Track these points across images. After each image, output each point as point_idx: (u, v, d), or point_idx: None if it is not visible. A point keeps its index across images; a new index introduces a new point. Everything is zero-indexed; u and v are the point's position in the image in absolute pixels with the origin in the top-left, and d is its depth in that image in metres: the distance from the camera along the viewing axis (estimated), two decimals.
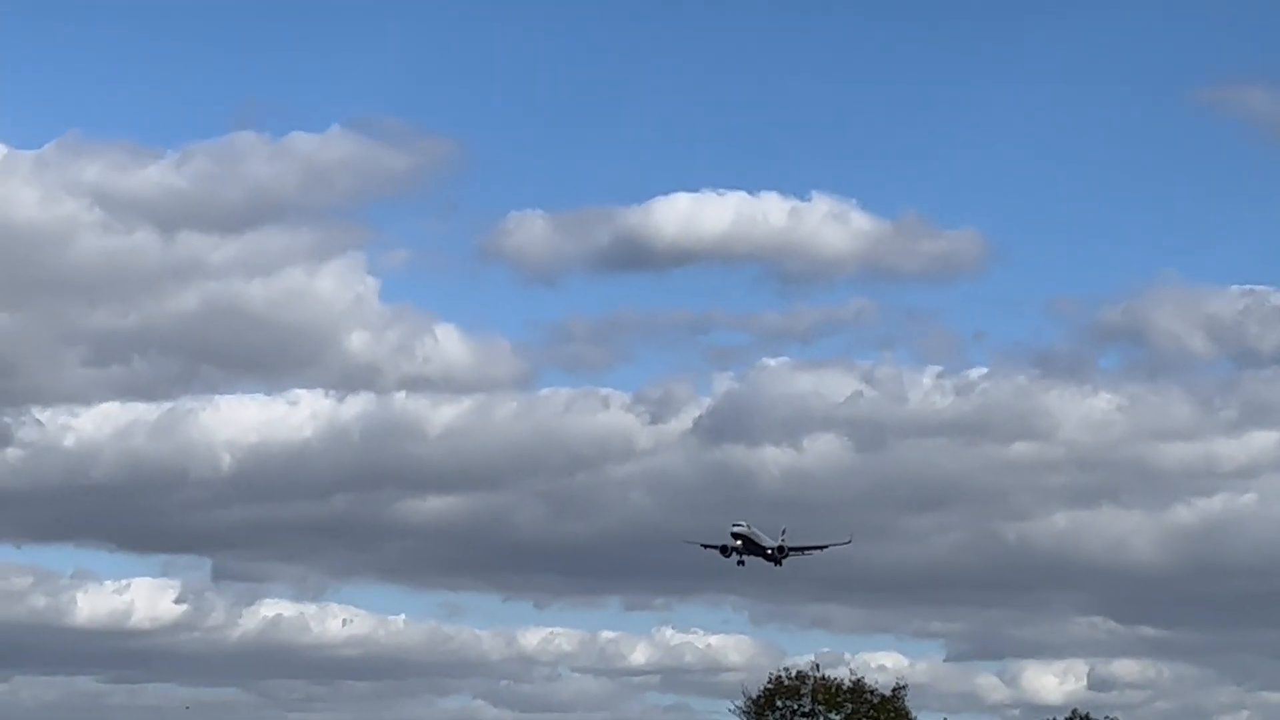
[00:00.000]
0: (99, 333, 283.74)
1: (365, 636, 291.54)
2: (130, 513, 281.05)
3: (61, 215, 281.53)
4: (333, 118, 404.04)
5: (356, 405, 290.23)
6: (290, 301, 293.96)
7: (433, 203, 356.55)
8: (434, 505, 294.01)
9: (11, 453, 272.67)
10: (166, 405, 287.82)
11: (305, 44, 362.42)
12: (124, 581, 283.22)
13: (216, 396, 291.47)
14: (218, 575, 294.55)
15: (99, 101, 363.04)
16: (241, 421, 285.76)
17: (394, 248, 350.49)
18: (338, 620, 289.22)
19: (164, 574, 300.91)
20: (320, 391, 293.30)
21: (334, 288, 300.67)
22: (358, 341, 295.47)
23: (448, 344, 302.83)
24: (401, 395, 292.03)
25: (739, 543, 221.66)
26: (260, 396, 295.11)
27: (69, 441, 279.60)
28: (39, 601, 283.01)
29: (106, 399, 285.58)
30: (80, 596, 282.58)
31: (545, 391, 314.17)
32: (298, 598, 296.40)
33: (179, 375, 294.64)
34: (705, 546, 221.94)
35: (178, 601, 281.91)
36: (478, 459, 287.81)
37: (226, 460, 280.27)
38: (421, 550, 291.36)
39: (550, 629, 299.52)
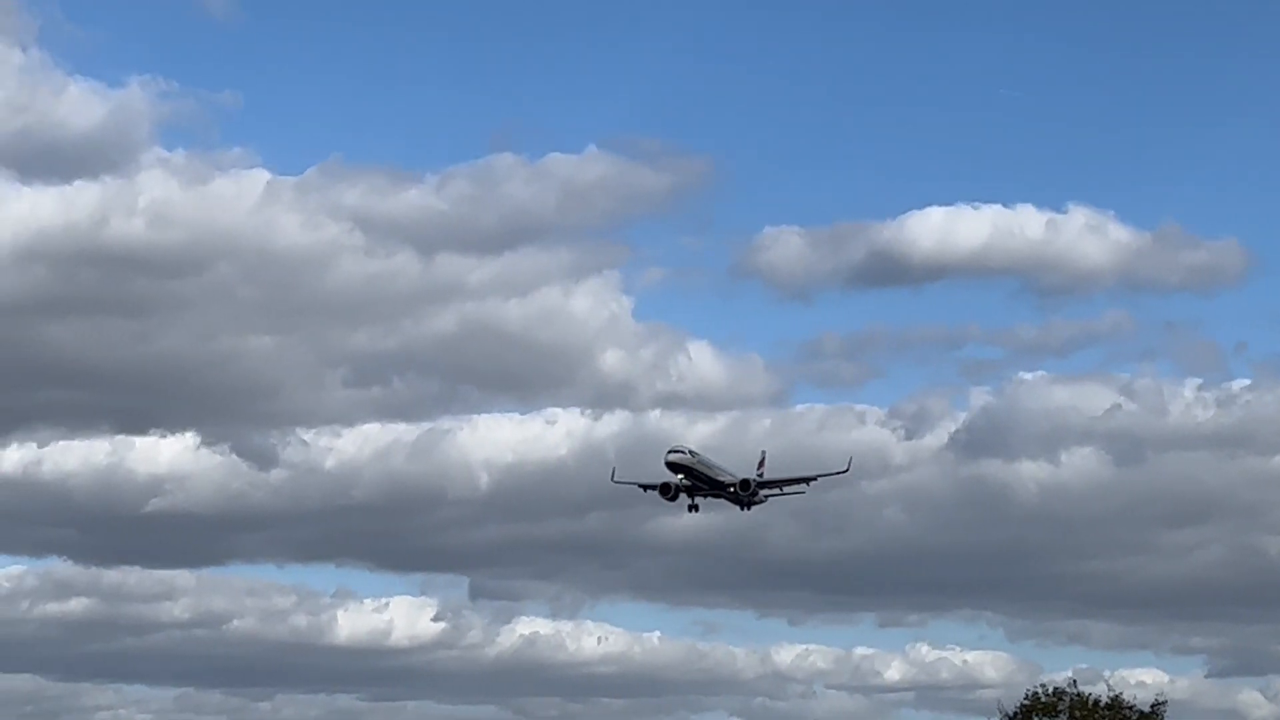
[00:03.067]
0: (359, 354, 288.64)
1: (620, 654, 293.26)
2: (389, 532, 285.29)
3: (323, 240, 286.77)
4: (589, 138, 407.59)
5: (611, 423, 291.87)
6: (546, 321, 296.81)
7: (687, 221, 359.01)
8: (688, 523, 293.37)
9: (276, 474, 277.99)
10: (425, 425, 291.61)
11: (561, 66, 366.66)
12: (383, 600, 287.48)
13: (474, 416, 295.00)
14: (475, 593, 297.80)
15: (359, 127, 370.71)
16: (498, 440, 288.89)
17: (648, 266, 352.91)
18: (593, 638, 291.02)
19: (422, 592, 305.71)
20: (575, 410, 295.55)
21: (589, 307, 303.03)
22: (612, 360, 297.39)
23: (701, 361, 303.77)
24: (656, 413, 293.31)
25: (680, 476, 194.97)
26: (516, 416, 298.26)
27: (330, 462, 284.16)
28: (301, 620, 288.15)
29: (367, 420, 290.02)
30: (341, 615, 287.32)
31: (799, 408, 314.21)
32: (553, 615, 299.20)
33: (438, 396, 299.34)
34: (644, 488, 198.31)
35: (436, 620, 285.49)
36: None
37: (484, 479, 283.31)
38: (676, 567, 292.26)
39: (805, 646, 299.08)
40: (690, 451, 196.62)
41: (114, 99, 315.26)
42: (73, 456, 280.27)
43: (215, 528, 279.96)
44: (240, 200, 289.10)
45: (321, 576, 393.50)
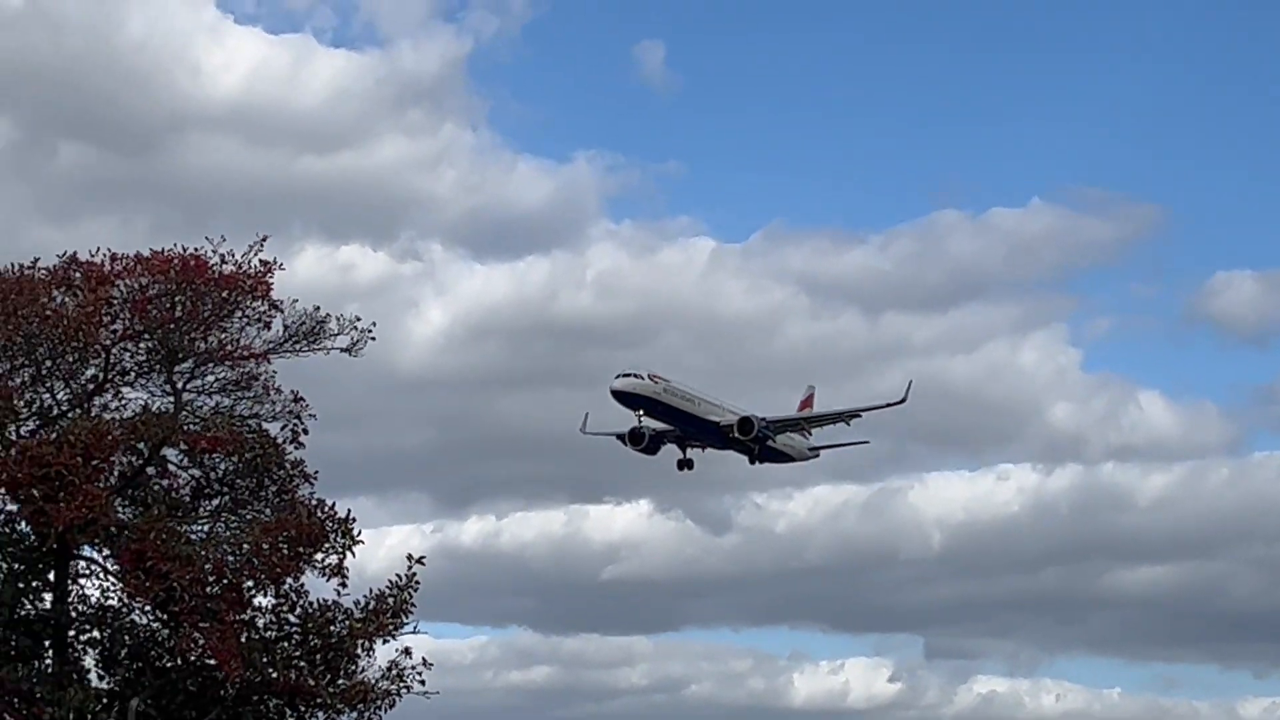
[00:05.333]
0: None
1: (1080, 711, 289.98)
2: (843, 593, 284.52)
3: (769, 304, 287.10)
4: (1032, 191, 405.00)
5: (1063, 477, 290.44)
6: (994, 376, 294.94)
7: (1135, 270, 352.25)
8: (1145, 575, 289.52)
9: (729, 538, 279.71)
10: (876, 485, 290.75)
11: (1000, 120, 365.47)
12: (838, 661, 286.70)
13: (924, 474, 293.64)
14: (930, 653, 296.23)
15: (802, 191, 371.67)
16: (949, 498, 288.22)
17: (1096, 317, 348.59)
18: (1051, 695, 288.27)
19: (877, 653, 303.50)
20: (1026, 465, 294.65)
21: (1037, 360, 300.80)
22: (1062, 413, 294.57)
23: (1152, 411, 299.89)
24: (1109, 466, 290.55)
25: (640, 413, 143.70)
26: (966, 473, 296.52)
27: (782, 525, 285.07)
28: (758, 683, 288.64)
29: (817, 482, 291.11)
30: (797, 677, 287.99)
31: (1258, 455, 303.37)
32: (1010, 673, 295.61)
33: (888, 455, 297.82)
34: (620, 439, 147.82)
35: (892, 680, 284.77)
36: (1189, 527, 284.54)
37: (936, 537, 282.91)
38: (1134, 621, 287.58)
39: (1272, 699, 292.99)
40: (650, 376, 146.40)
41: (561, 175, 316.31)
42: (530, 527, 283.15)
43: (670, 593, 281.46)
44: (687, 268, 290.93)
45: (776, 639, 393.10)
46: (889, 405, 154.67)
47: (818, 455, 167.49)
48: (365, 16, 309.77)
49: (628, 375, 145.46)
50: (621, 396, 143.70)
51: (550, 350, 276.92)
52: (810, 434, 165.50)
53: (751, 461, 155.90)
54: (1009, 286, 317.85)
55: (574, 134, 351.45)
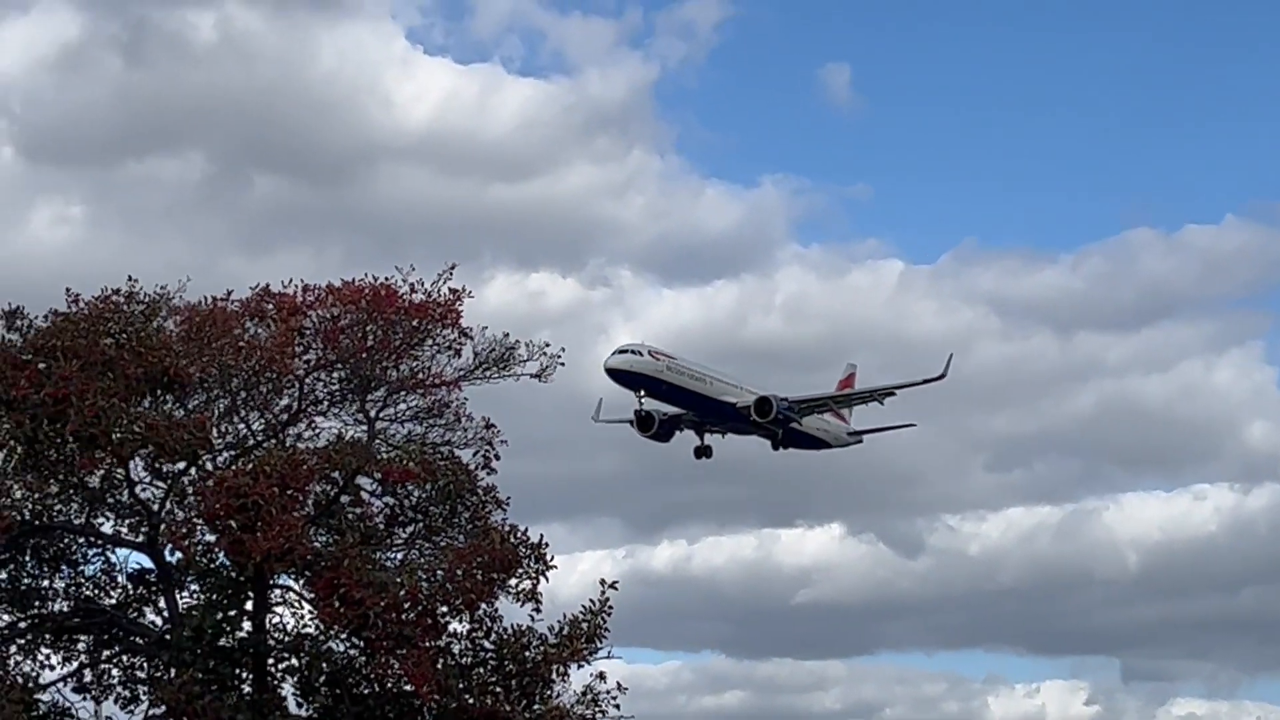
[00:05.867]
0: (1000, 438, 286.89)
1: None
2: (1038, 615, 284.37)
3: (959, 325, 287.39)
4: (1226, 207, 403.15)
5: (1261, 497, 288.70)
6: (1188, 396, 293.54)
7: None
8: None
9: (923, 561, 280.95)
10: (1069, 507, 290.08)
11: (1194, 134, 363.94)
12: (1034, 685, 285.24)
13: (1119, 495, 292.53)
14: (1127, 675, 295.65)
15: (991, 211, 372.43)
16: (1144, 519, 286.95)
17: None
18: (1252, 717, 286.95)
19: (1073, 675, 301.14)
20: (1223, 485, 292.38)
21: (1231, 378, 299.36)
22: (1259, 432, 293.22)
23: None
24: None
25: (641, 393, 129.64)
26: (1161, 493, 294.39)
27: (975, 548, 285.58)
28: (953, 707, 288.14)
29: (1011, 504, 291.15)
30: (992, 701, 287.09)
31: None
32: (1209, 695, 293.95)
33: (1080, 476, 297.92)
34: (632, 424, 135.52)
35: (1089, 703, 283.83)
36: None
37: (1132, 559, 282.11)
38: None
39: None
40: (652, 352, 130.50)
41: (749, 199, 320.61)
42: (721, 551, 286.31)
43: (863, 617, 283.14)
44: (876, 291, 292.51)
45: (971, 662, 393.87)
46: (926, 381, 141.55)
47: (860, 440, 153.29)
48: (553, 45, 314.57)
49: (624, 351, 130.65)
50: (618, 375, 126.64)
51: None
52: (849, 417, 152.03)
53: (775, 447, 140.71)
54: (1203, 304, 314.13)
55: (761, 158, 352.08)
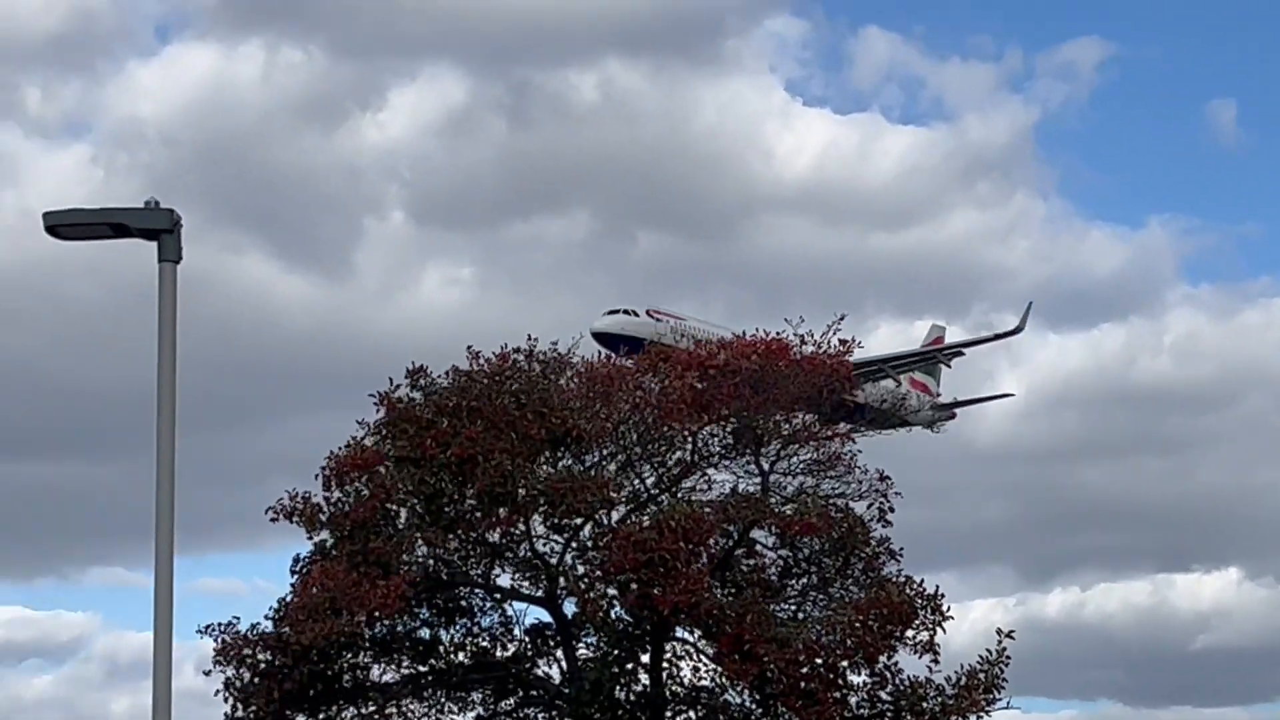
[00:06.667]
0: None
1: None
2: None
3: None
4: None
5: None
6: None
7: None
8: None
9: None
10: None
11: None
12: None
13: None
14: None
15: None
16: None
17: None
18: None
19: None
20: None
21: None
22: None
23: None
24: None
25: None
26: None
27: None
28: None
29: None
30: None
31: None
32: None
33: None
34: None
35: None
36: None
37: None
38: None
39: None
40: (651, 312, 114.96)
41: (1135, 240, 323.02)
42: (1114, 598, 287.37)
43: (1265, 663, 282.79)
44: (1269, 330, 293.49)
45: None
46: (1001, 336, 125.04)
47: (952, 415, 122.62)
48: (932, 92, 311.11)
49: (616, 312, 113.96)
50: (606, 340, 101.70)
51: (1130, 418, 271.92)
52: (937, 391, 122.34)
53: (823, 424, 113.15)
54: None
55: (1147, 198, 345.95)
